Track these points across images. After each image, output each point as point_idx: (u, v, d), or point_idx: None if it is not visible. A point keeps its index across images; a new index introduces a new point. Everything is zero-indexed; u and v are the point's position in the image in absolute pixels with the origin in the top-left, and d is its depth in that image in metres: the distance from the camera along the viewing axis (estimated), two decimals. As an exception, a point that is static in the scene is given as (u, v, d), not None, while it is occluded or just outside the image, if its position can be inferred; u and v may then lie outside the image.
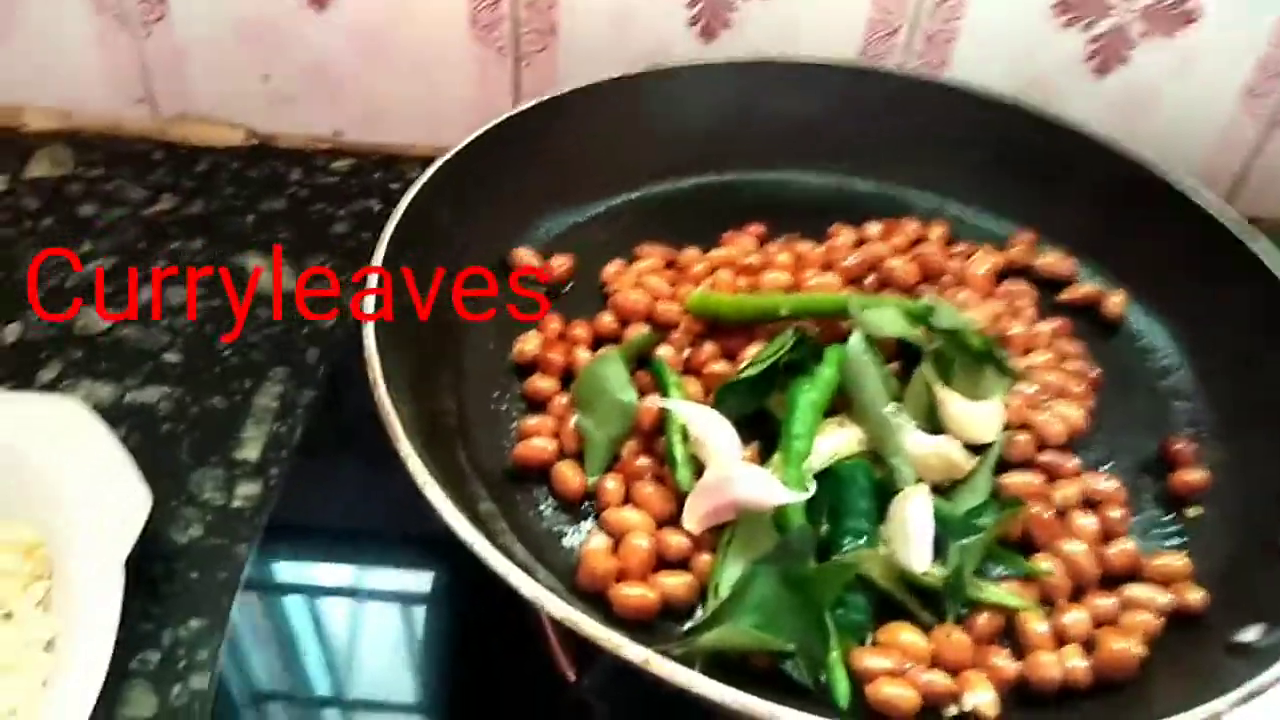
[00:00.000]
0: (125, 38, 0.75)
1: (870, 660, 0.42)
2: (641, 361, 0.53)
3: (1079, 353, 0.56)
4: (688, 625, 0.43)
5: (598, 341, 0.55)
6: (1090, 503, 0.49)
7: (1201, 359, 0.56)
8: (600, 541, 0.45)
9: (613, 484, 0.48)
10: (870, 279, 0.58)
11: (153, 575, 0.53)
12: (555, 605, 0.37)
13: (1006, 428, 0.50)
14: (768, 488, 0.44)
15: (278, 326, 0.66)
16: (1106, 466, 0.52)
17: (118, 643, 0.45)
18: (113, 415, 0.60)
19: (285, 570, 0.54)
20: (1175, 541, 0.49)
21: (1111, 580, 0.46)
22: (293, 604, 0.52)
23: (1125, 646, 0.43)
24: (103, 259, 0.70)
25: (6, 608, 0.49)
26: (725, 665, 0.40)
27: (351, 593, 0.53)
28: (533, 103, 0.60)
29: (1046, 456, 0.50)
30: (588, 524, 0.48)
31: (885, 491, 0.46)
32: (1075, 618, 0.44)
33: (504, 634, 0.50)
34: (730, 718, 0.36)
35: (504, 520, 0.46)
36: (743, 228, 0.62)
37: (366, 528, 0.55)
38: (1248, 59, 0.71)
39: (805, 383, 0.49)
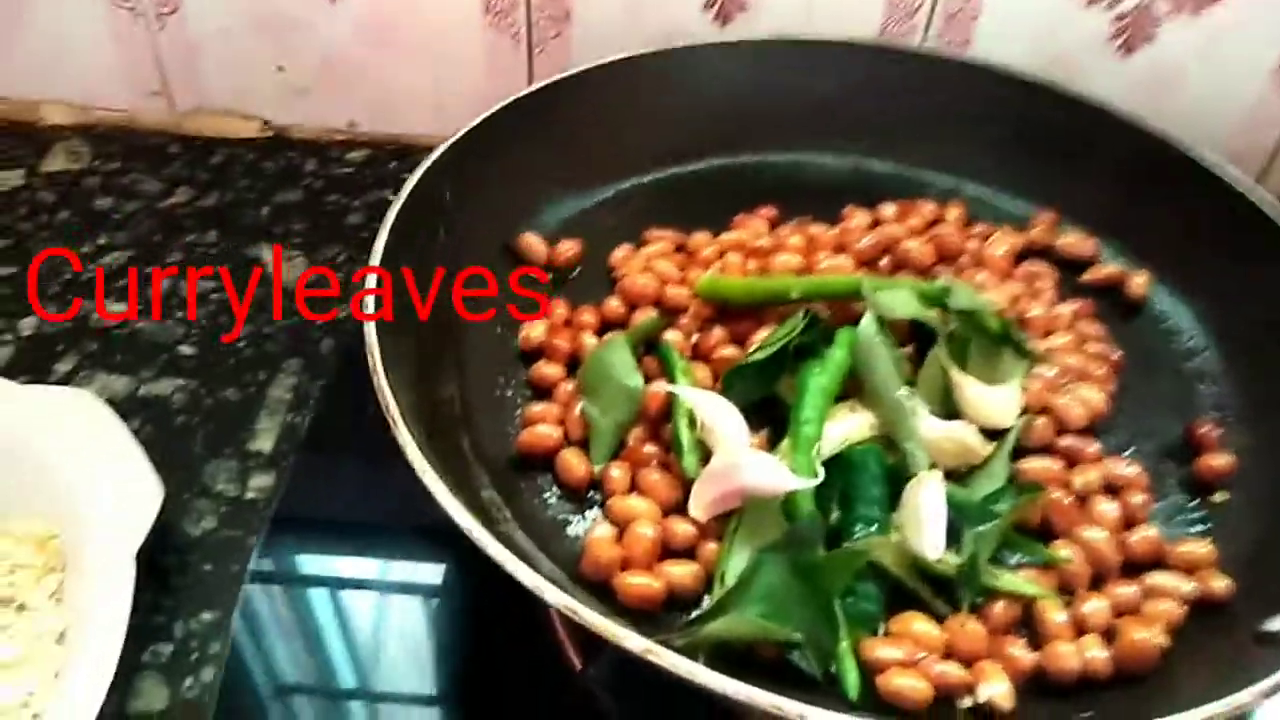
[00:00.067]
0: (140, 31, 0.75)
1: (881, 650, 0.41)
2: (649, 347, 0.52)
3: (1101, 335, 0.54)
4: (692, 615, 0.42)
5: (605, 327, 0.54)
6: (1111, 488, 0.48)
7: (1228, 340, 0.54)
8: (604, 530, 0.45)
9: (618, 471, 0.47)
10: (885, 261, 0.57)
11: (165, 567, 0.53)
12: (554, 594, 0.37)
13: (1025, 412, 0.49)
14: (776, 474, 0.43)
15: (292, 318, 0.66)
16: (1129, 451, 0.50)
17: (130, 635, 0.44)
18: (127, 408, 0.60)
19: (292, 562, 0.53)
20: (1200, 528, 0.48)
21: (1133, 568, 0.45)
22: (299, 596, 0.52)
23: (1147, 636, 0.42)
24: (118, 252, 0.70)
25: (20, 600, 0.49)
26: (731, 656, 0.40)
27: (359, 584, 0.53)
28: (539, 85, 0.59)
29: (1066, 441, 0.49)
30: (593, 512, 0.47)
31: (898, 477, 0.45)
32: (1095, 607, 0.43)
33: (512, 625, 0.49)
34: (737, 710, 0.36)
35: (507, 509, 0.45)
36: (755, 211, 0.61)
37: (374, 520, 0.55)
38: (1277, 36, 0.69)
39: (815, 366, 0.48)
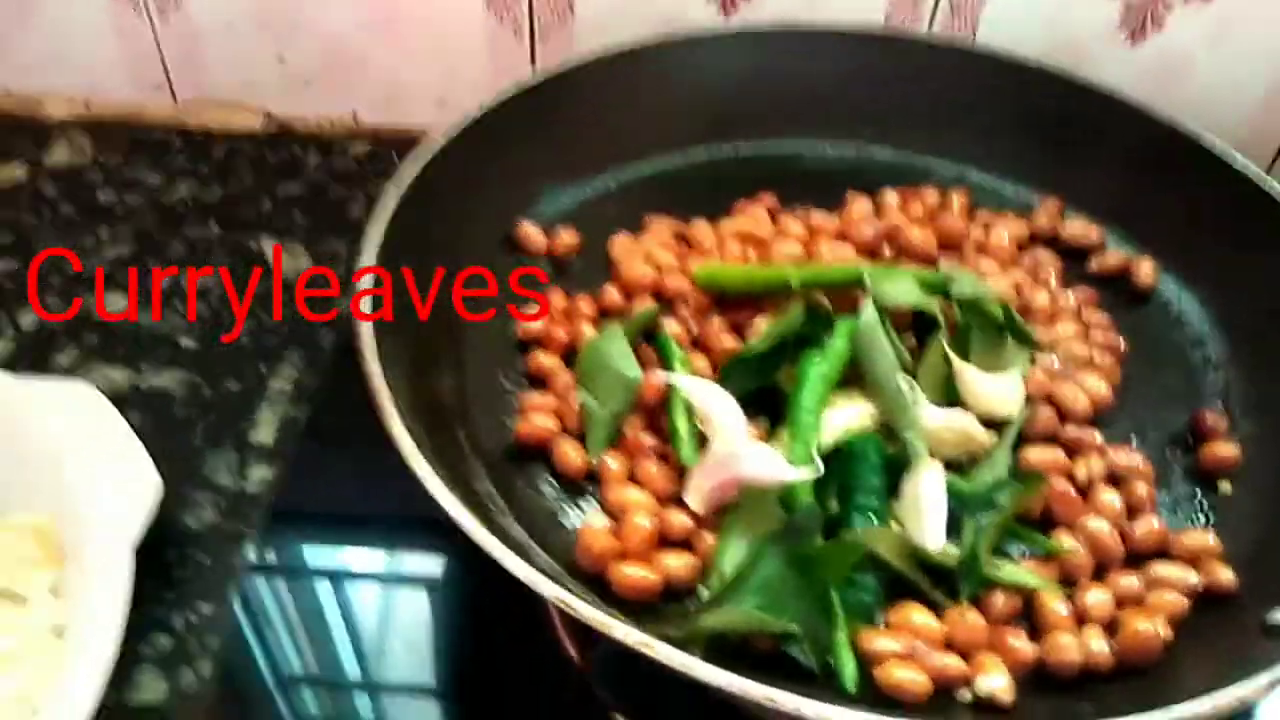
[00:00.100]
0: (142, 24, 0.74)
1: (879, 642, 0.40)
2: (648, 337, 0.52)
3: (1105, 323, 0.54)
4: (688, 607, 0.42)
5: (603, 316, 0.54)
6: (1115, 478, 0.47)
7: (1234, 329, 0.54)
8: (600, 521, 0.44)
9: (615, 462, 0.47)
10: (887, 249, 0.56)
11: (165, 560, 0.53)
12: (547, 586, 0.36)
13: (1028, 401, 0.48)
14: (773, 465, 0.43)
15: (293, 311, 0.66)
16: (1134, 441, 0.50)
17: (129, 628, 0.44)
18: (127, 400, 0.60)
19: (291, 554, 0.53)
20: (1205, 519, 0.47)
21: (1136, 559, 0.45)
22: (298, 588, 0.52)
23: (1149, 628, 0.41)
24: (121, 245, 0.70)
25: (18, 593, 0.49)
26: (727, 648, 0.39)
27: (358, 576, 0.53)
28: (538, 75, 0.58)
29: (1069, 430, 0.48)
30: (589, 503, 0.47)
31: (897, 468, 0.45)
32: (1097, 598, 0.43)
33: (511, 617, 0.49)
34: (733, 702, 0.35)
35: (503, 501, 0.45)
36: (755, 199, 0.60)
37: (374, 511, 0.55)
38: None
39: (815, 355, 0.47)
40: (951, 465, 0.45)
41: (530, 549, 0.42)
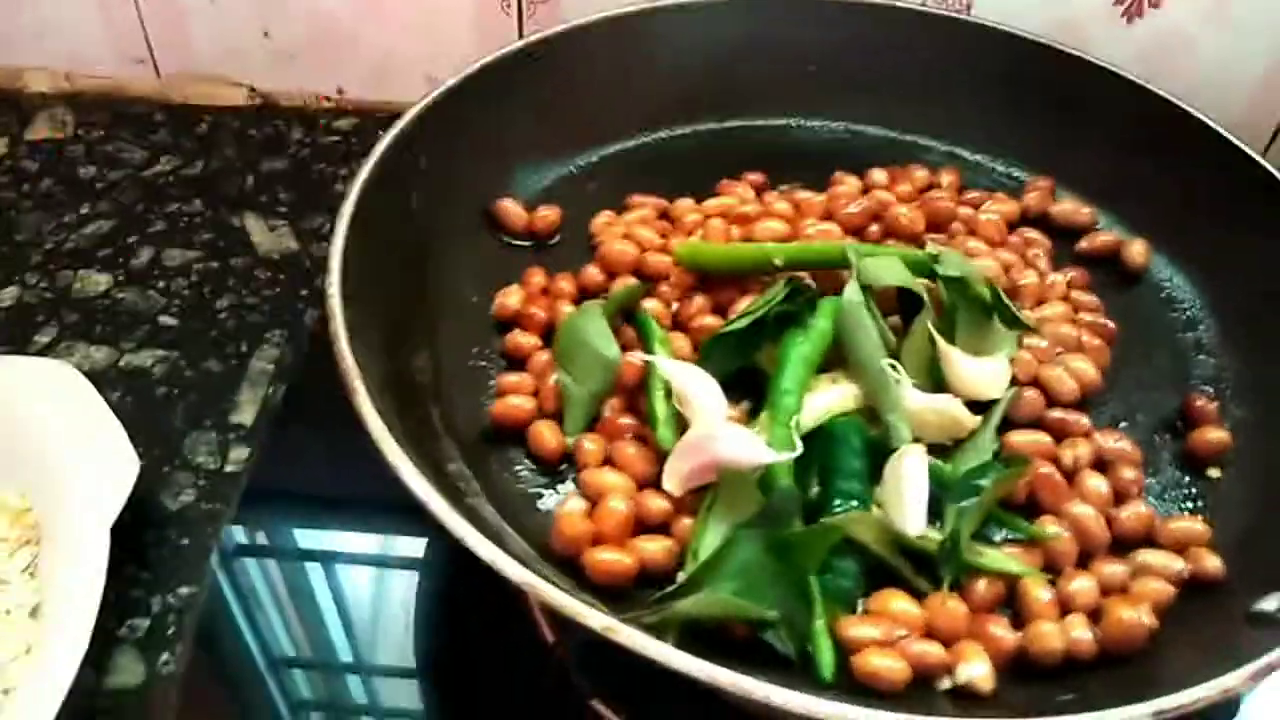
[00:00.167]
0: (125, -4, 0.74)
1: (858, 629, 0.39)
2: (628, 316, 0.51)
3: (1095, 305, 0.53)
4: (661, 592, 0.41)
5: (583, 295, 0.53)
6: (1102, 463, 0.46)
7: (1227, 311, 0.53)
8: (575, 504, 0.44)
9: (592, 444, 0.46)
10: (874, 228, 0.55)
11: (143, 541, 0.52)
12: (514, 570, 0.36)
13: (1014, 384, 0.48)
14: (752, 447, 0.42)
15: (276, 289, 0.65)
16: (1123, 425, 0.49)
17: (106, 609, 0.44)
18: (108, 379, 0.59)
19: (265, 535, 0.53)
20: (1194, 505, 0.47)
21: (1123, 546, 0.44)
22: (273, 569, 0.51)
23: (1134, 616, 0.40)
24: (102, 221, 0.69)
25: (-7, 573, 0.48)
26: (703, 635, 0.38)
27: (335, 558, 0.52)
28: (517, 45, 0.57)
29: (1056, 414, 0.48)
30: (566, 486, 0.46)
31: (880, 451, 0.44)
32: (1081, 585, 0.42)
33: (488, 601, 0.48)
34: (705, 688, 0.35)
35: (476, 482, 0.44)
36: (741, 177, 0.59)
37: (352, 493, 0.54)
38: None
39: (797, 335, 0.46)
40: (935, 449, 0.45)
41: (503, 532, 0.41)
